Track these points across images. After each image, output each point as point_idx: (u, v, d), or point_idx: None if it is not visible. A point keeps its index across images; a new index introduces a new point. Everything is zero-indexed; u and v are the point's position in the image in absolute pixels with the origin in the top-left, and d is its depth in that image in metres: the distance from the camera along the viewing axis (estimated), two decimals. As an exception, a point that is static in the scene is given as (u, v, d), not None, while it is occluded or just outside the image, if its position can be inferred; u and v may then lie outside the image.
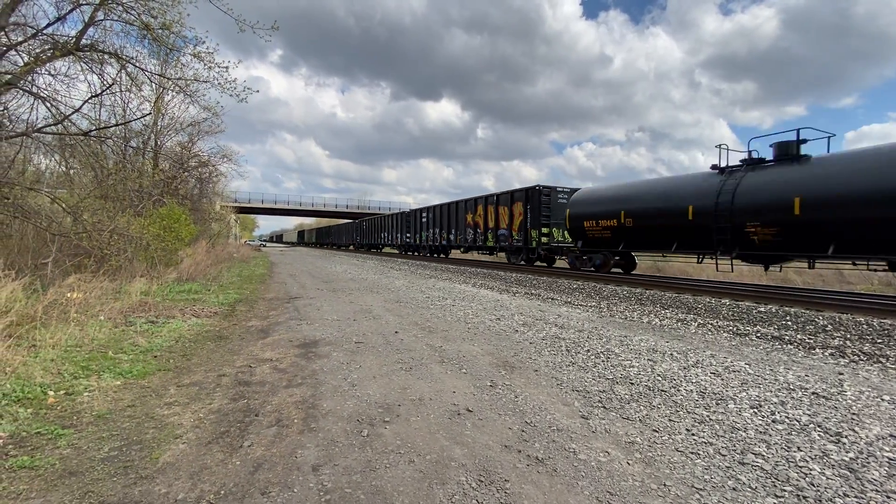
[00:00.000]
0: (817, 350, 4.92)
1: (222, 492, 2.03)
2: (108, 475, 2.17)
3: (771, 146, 9.91)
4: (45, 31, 7.50)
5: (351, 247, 48.18)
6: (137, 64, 8.27)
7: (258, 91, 8.39)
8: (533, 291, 10.24)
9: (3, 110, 7.68)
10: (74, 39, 7.52)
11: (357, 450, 2.45)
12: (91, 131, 8.60)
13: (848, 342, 5.23)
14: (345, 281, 12.28)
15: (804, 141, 9.27)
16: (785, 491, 2.10)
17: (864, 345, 5.09)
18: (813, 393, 3.44)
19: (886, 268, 8.09)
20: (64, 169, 11.33)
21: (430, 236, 26.01)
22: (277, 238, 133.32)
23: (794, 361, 4.44)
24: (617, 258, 13.82)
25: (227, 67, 8.07)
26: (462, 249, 22.98)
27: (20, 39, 7.48)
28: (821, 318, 6.34)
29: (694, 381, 3.71)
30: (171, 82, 9.11)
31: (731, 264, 10.44)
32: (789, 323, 6.24)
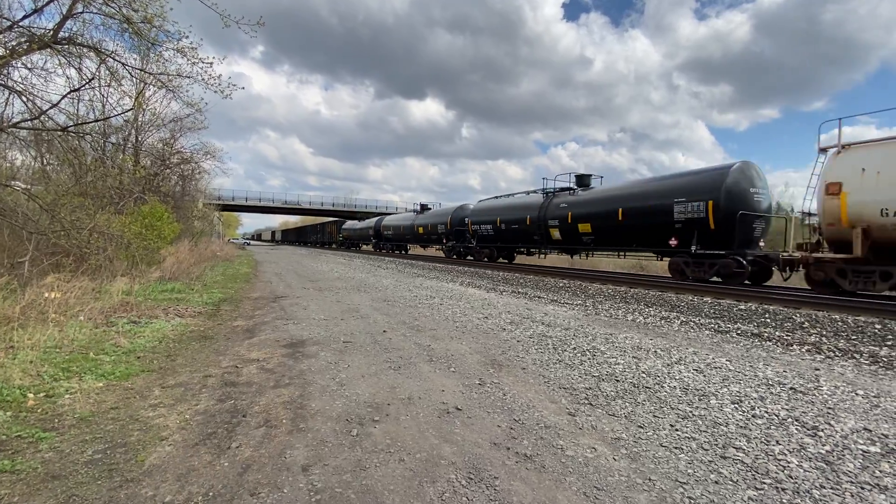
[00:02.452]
0: (795, 347, 5.06)
1: (211, 493, 2.01)
2: (92, 478, 2.13)
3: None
4: (20, 24, 7.27)
5: (298, 243, 70.85)
6: (118, 58, 8.06)
7: (243, 88, 8.26)
8: (520, 290, 10.31)
9: (-25, 104, 7.42)
10: (52, 32, 7.31)
11: (347, 449, 2.45)
12: (69, 127, 8.38)
13: (824, 339, 5.40)
14: (331, 280, 12.20)
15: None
16: (764, 484, 2.17)
17: (839, 341, 5.26)
18: (791, 388, 3.55)
19: None
20: (41, 165, 11.03)
21: (321, 238, 55.46)
22: (257, 237, 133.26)
23: (773, 358, 4.57)
24: None
25: (210, 63, 7.92)
26: (333, 245, 50.11)
27: (-6, 31, 7.24)
28: (798, 315, 6.52)
29: (677, 377, 3.79)
30: (152, 77, 8.91)
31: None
32: (768, 320, 6.40)
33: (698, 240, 10.64)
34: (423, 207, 29.03)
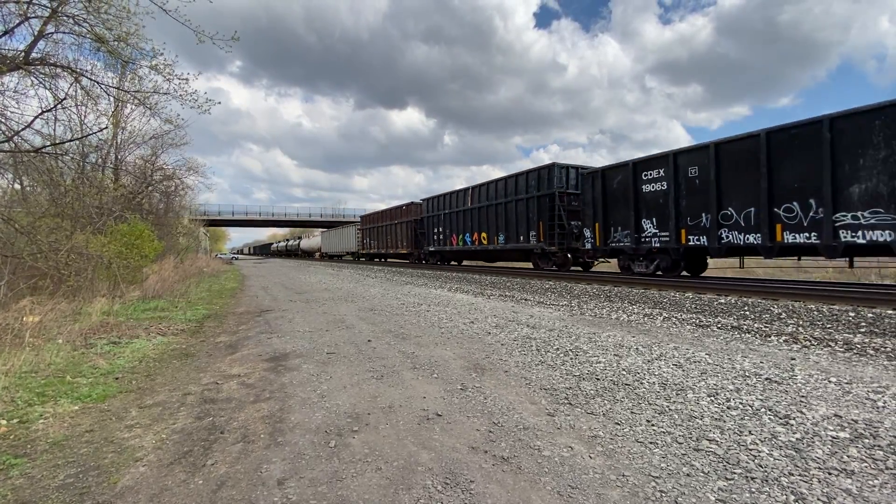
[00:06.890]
0: (772, 337, 5.15)
1: (183, 512, 2.00)
2: (63, 503, 2.10)
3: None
4: (-10, 46, 7.19)
5: (264, 255, 79.31)
6: (92, 77, 8.00)
7: (219, 102, 8.25)
8: (507, 293, 10.35)
9: (-54, 128, 7.29)
10: (23, 54, 7.24)
11: (324, 461, 2.45)
12: (44, 147, 8.27)
13: (801, 329, 5.50)
14: (319, 291, 12.13)
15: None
16: (735, 473, 2.20)
17: (815, 330, 5.36)
18: (766, 378, 3.61)
19: None
20: (18, 187, 10.85)
21: (275, 251, 71.45)
22: (239, 252, 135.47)
23: (751, 349, 4.65)
24: None
25: (186, 79, 7.89)
26: (295, 257, 53.96)
27: (-37, 54, 7.14)
28: (776, 306, 6.64)
29: (657, 373, 3.84)
30: (129, 95, 8.86)
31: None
32: (747, 313, 6.51)
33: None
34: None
